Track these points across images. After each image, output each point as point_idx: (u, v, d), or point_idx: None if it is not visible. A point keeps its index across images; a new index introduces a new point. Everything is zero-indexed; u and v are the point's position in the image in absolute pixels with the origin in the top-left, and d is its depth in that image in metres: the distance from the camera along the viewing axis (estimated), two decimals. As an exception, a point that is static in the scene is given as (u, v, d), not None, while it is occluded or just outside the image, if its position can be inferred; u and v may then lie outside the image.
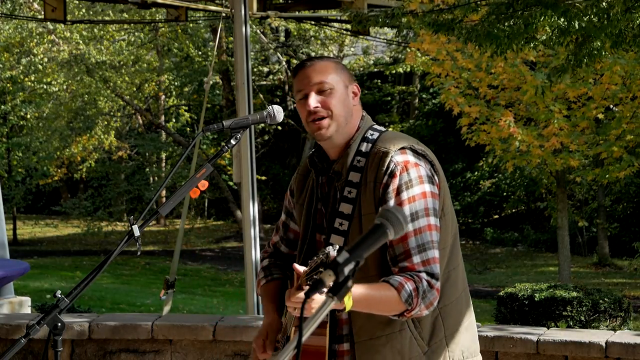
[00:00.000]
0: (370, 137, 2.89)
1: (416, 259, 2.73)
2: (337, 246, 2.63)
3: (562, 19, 4.99)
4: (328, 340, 2.81)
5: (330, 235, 2.85)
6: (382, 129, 2.94)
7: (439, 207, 2.83)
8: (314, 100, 2.84)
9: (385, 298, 2.68)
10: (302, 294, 2.61)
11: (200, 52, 21.94)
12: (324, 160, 2.95)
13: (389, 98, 24.71)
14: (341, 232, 2.83)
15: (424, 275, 2.72)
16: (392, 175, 2.79)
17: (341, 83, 2.87)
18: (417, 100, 24.35)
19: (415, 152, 2.85)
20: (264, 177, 22.42)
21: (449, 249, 2.89)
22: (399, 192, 2.78)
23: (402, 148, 2.83)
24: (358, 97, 2.92)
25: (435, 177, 2.85)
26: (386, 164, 2.80)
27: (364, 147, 2.87)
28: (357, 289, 2.66)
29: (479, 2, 5.77)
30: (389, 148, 2.83)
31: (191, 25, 20.18)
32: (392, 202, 2.77)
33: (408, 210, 2.75)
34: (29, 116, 22.60)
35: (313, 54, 21.01)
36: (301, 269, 2.67)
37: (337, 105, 2.85)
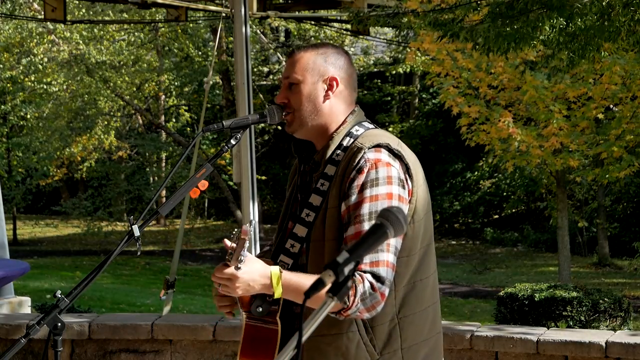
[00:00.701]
0: (355, 132, 2.83)
1: (365, 258, 2.61)
2: (253, 222, 2.62)
3: (566, 21, 4.99)
4: (280, 328, 2.75)
5: (295, 224, 2.81)
6: (371, 126, 2.87)
7: (406, 212, 2.73)
8: (280, 96, 2.86)
9: None
10: (227, 270, 2.60)
11: (200, 52, 21.93)
12: (309, 149, 2.92)
13: (389, 98, 24.68)
14: (307, 223, 2.79)
15: (368, 276, 2.61)
16: (359, 171, 2.71)
17: (310, 78, 2.83)
18: (417, 100, 24.32)
19: (390, 152, 2.76)
20: (264, 177, 22.40)
21: (418, 258, 2.78)
22: (362, 188, 2.70)
23: (377, 145, 2.75)
24: (337, 90, 2.84)
25: (408, 182, 2.76)
26: (357, 159, 2.73)
27: (346, 141, 2.81)
28: (290, 276, 2.64)
29: (479, 2, 5.76)
30: (364, 144, 2.76)
31: (191, 25, 20.16)
32: (354, 198, 2.70)
33: (367, 208, 2.67)
34: (29, 116, 22.58)
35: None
36: (230, 244, 2.64)
37: (299, 101, 2.82)
